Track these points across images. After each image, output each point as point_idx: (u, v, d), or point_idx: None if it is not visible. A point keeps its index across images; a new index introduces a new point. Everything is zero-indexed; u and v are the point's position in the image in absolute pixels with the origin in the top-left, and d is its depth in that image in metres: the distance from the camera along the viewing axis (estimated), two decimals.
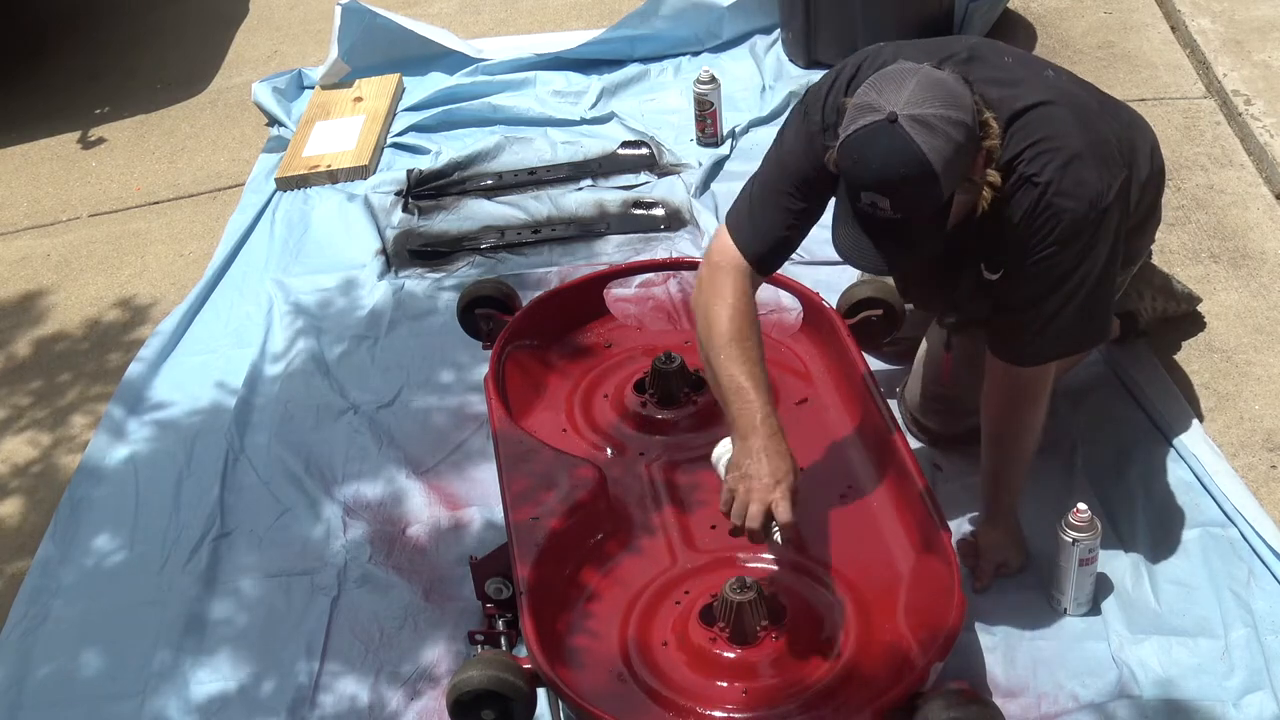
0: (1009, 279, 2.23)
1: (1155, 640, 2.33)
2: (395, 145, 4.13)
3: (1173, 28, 4.18)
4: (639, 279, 3.25)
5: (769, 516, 2.15)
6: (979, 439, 2.49)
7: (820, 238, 3.41)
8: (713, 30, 4.33)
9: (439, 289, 3.44)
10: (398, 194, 3.86)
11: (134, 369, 3.30)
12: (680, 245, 3.47)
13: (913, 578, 2.32)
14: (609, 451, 2.68)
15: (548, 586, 2.31)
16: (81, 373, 3.44)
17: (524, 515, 2.39)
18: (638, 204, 3.70)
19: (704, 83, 3.80)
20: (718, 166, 3.78)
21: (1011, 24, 4.23)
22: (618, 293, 3.16)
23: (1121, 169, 2.20)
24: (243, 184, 4.08)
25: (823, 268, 3.29)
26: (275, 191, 3.95)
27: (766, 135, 3.88)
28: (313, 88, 4.48)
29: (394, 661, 2.49)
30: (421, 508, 2.81)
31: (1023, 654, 2.34)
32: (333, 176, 3.96)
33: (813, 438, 2.65)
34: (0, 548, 2.93)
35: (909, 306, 2.84)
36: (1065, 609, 2.39)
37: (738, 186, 3.58)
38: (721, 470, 2.28)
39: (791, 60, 4.19)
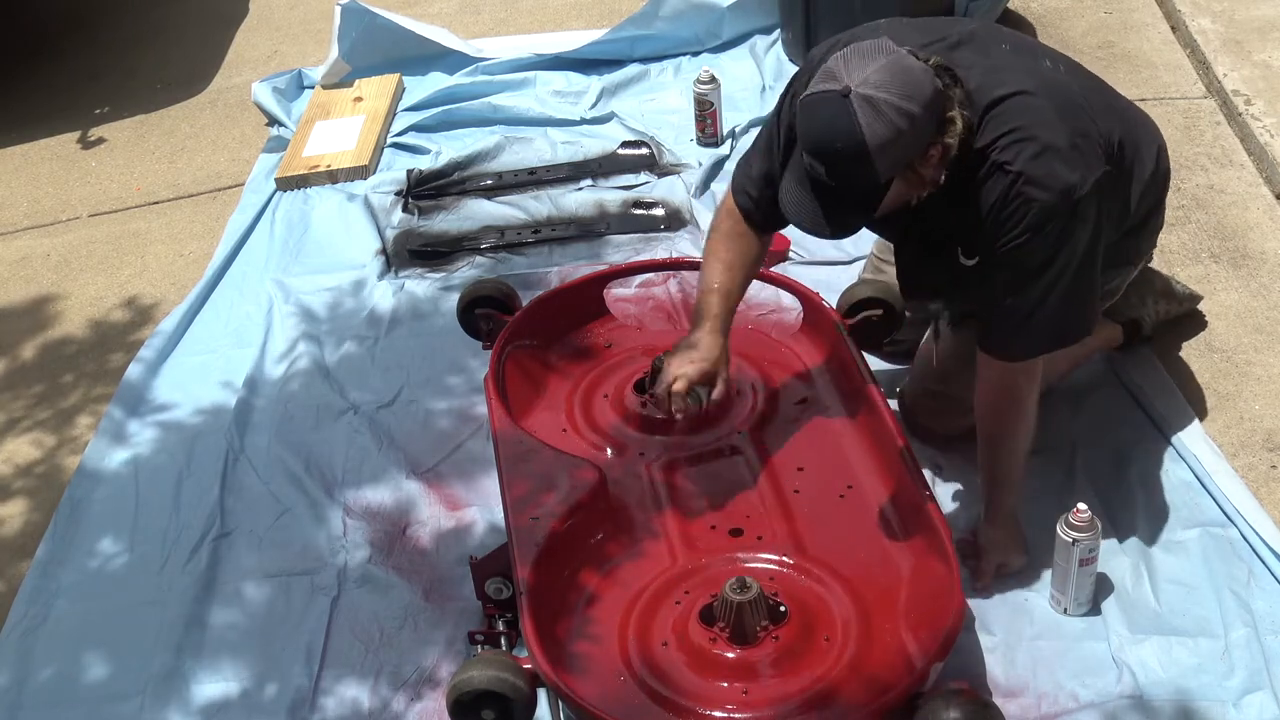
0: (984, 266, 2.26)
1: (1155, 640, 2.33)
2: (395, 145, 4.13)
3: (1173, 28, 4.18)
4: (639, 279, 3.25)
5: (687, 385, 2.42)
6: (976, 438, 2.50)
7: (821, 238, 3.43)
8: (713, 31, 4.33)
9: (439, 289, 3.44)
10: (398, 194, 3.86)
11: (134, 369, 3.30)
12: (680, 245, 3.47)
13: (913, 578, 2.32)
14: (609, 451, 2.68)
15: (548, 587, 2.31)
16: (81, 373, 3.44)
17: (524, 515, 2.39)
18: (638, 204, 3.70)
19: (704, 83, 3.79)
20: (718, 166, 3.77)
21: (1012, 24, 4.23)
22: (618, 293, 3.16)
23: (1101, 164, 2.21)
24: (243, 184, 4.08)
25: (823, 268, 3.29)
26: (275, 191, 3.95)
27: None
28: (313, 88, 4.48)
29: (394, 662, 2.49)
30: (421, 508, 2.81)
31: (1023, 654, 2.35)
32: (333, 176, 3.96)
33: (813, 438, 2.66)
34: (1, 548, 2.93)
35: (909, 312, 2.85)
36: (1065, 609, 2.39)
37: None
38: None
39: (791, 60, 4.19)
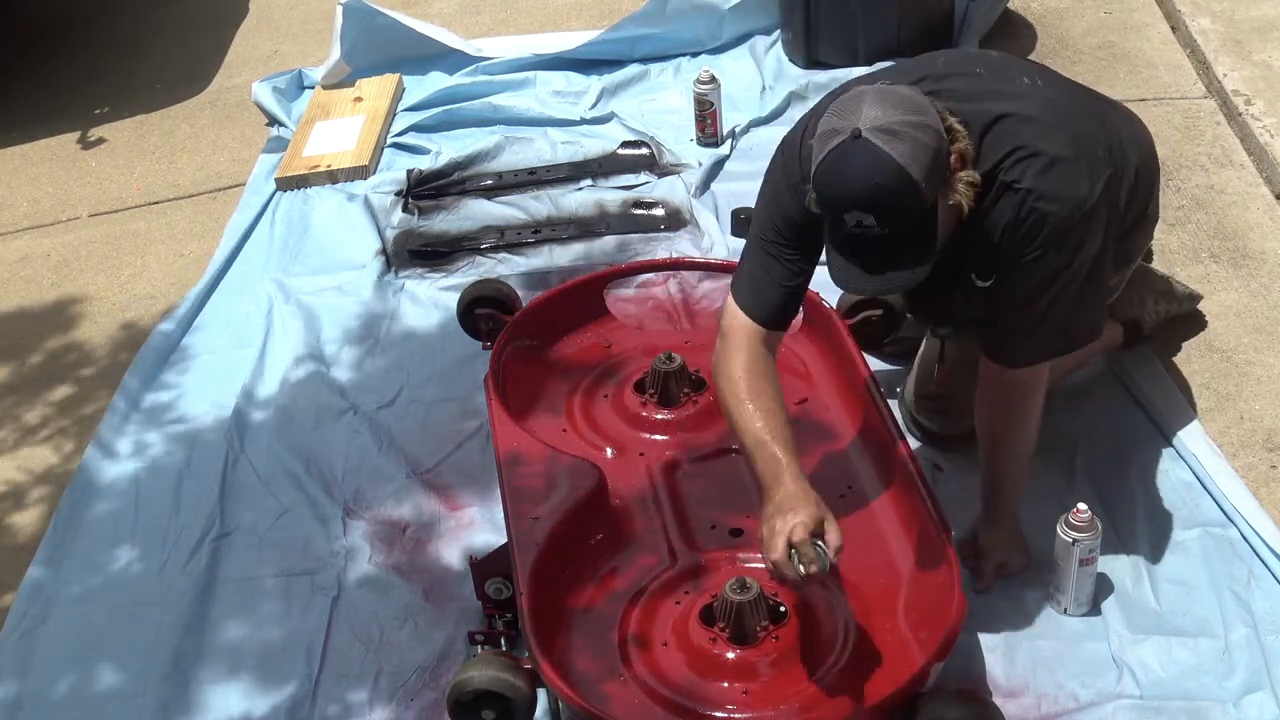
0: (1000, 286, 2.24)
1: (1155, 640, 2.33)
2: (395, 145, 4.13)
3: (1173, 28, 4.18)
4: (639, 279, 3.25)
5: (789, 545, 2.08)
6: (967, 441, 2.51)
7: None
8: (713, 32, 4.33)
9: (439, 289, 3.44)
10: (398, 194, 3.86)
11: (134, 370, 3.30)
12: (680, 245, 3.47)
13: (913, 578, 2.32)
14: (609, 451, 2.68)
15: (548, 587, 2.31)
16: (81, 373, 3.44)
17: (524, 516, 2.39)
18: (638, 204, 3.70)
19: (704, 83, 3.79)
20: (718, 166, 3.77)
21: (1012, 24, 4.23)
22: (618, 293, 3.17)
23: (1106, 166, 2.21)
24: (243, 184, 4.07)
25: (822, 268, 3.29)
26: (275, 191, 3.95)
27: (766, 135, 3.90)
28: (313, 88, 4.47)
29: (394, 662, 2.49)
30: (421, 508, 2.81)
31: (1023, 654, 2.35)
32: (333, 176, 3.96)
33: (813, 438, 2.66)
34: (0, 549, 2.92)
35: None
36: (1065, 609, 2.39)
37: (738, 186, 3.66)
38: None
39: (791, 60, 4.19)
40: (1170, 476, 2.64)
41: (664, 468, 2.63)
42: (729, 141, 3.86)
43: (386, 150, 4.11)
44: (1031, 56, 4.03)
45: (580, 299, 3.02)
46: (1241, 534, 2.49)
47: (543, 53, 4.38)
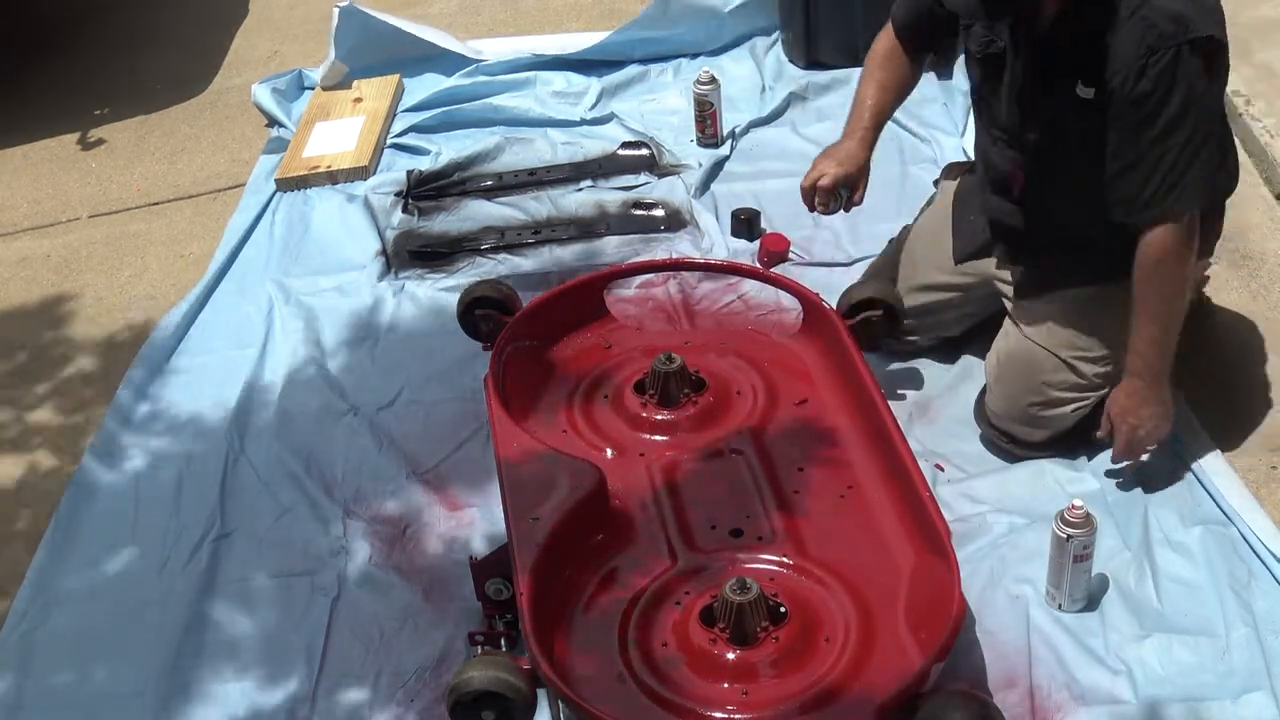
0: (1103, 99, 2.32)
1: (1155, 639, 2.32)
2: (395, 146, 4.13)
3: None
4: (639, 279, 3.25)
5: (832, 182, 2.68)
6: (1058, 445, 2.64)
7: (820, 238, 3.44)
8: (714, 34, 4.33)
9: (439, 290, 3.44)
10: (398, 195, 3.86)
11: (134, 370, 3.30)
12: (680, 246, 3.47)
13: (913, 578, 2.32)
14: (609, 452, 2.68)
15: (548, 587, 2.31)
16: (81, 374, 3.44)
17: (524, 516, 2.39)
18: (638, 205, 3.70)
19: (704, 83, 3.80)
20: (718, 167, 3.78)
21: None
22: (618, 293, 3.17)
23: (1218, 29, 2.29)
24: (243, 185, 4.08)
25: (823, 268, 3.29)
26: (275, 192, 3.95)
27: (766, 135, 3.91)
28: (313, 88, 4.48)
29: (394, 662, 2.49)
30: (421, 508, 2.81)
31: (1021, 652, 2.34)
32: (333, 177, 3.96)
33: (813, 438, 2.66)
34: (0, 549, 2.92)
35: (912, 309, 2.86)
36: (1060, 605, 2.40)
37: (738, 187, 3.67)
38: None
39: (791, 61, 4.19)
40: (1170, 476, 2.64)
41: (664, 468, 2.63)
42: (729, 142, 3.86)
43: (386, 151, 4.11)
44: None
45: (580, 299, 3.02)
46: (1241, 534, 2.49)
47: (542, 54, 4.38)
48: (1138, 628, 2.35)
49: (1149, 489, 2.61)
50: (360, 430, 3.03)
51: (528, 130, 4.09)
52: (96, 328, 3.60)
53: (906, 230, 3.03)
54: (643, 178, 3.80)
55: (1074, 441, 2.67)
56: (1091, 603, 2.40)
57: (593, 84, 4.22)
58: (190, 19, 5.27)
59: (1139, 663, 2.29)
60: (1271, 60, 3.87)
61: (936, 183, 3.11)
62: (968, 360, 2.95)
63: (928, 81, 3.78)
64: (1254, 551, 2.45)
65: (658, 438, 2.70)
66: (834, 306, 2.84)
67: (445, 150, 4.01)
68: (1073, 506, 2.32)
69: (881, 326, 2.85)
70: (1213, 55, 2.30)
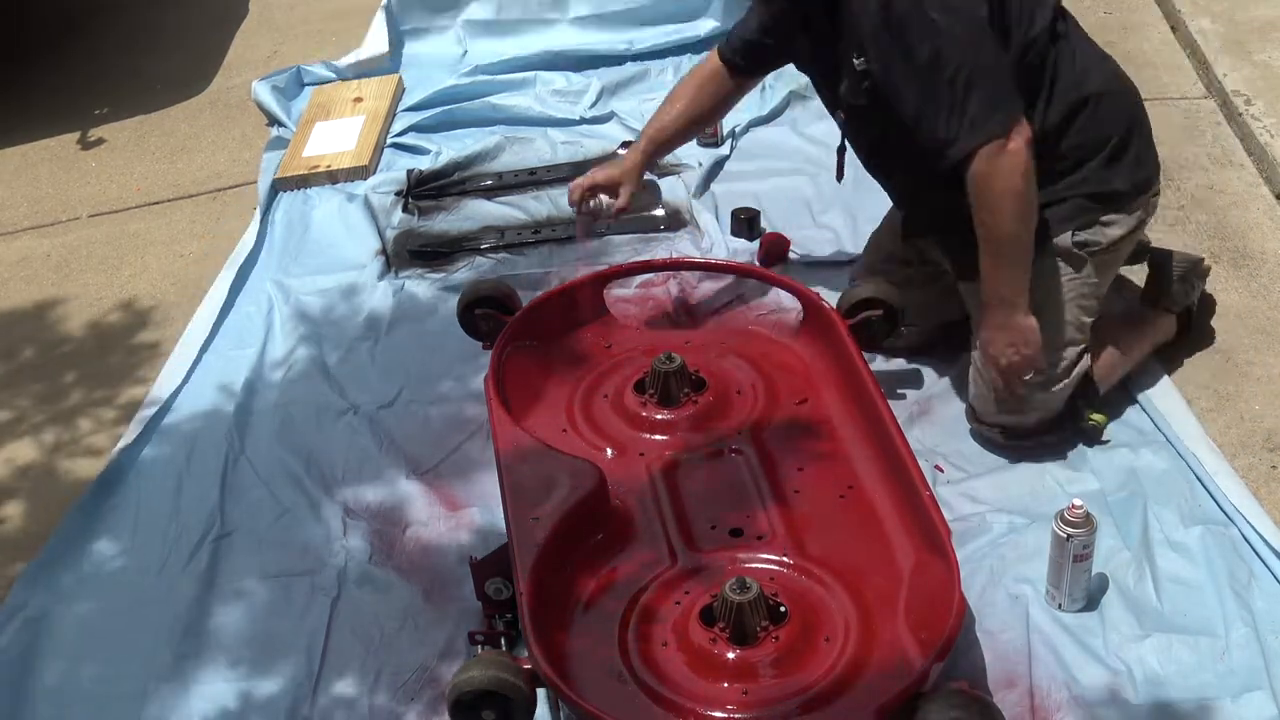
0: (872, 65, 2.43)
1: (1155, 639, 2.32)
2: (395, 145, 4.13)
3: (1173, 28, 4.18)
4: (639, 279, 3.25)
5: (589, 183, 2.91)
6: (1054, 430, 2.66)
7: (820, 238, 3.44)
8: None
9: (439, 289, 3.44)
10: (398, 194, 3.86)
11: (134, 370, 3.30)
12: (680, 245, 3.47)
13: (913, 578, 2.32)
14: (609, 451, 2.68)
15: (547, 587, 2.31)
16: (81, 373, 3.44)
17: (524, 515, 2.39)
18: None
19: None
20: (718, 166, 3.78)
21: None
22: (618, 293, 3.17)
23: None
24: (243, 184, 4.08)
25: (823, 268, 3.29)
26: (275, 192, 3.95)
27: (766, 135, 3.90)
28: (313, 85, 4.49)
29: (394, 662, 2.48)
30: (422, 508, 2.81)
31: (1021, 652, 2.34)
32: (333, 177, 3.96)
33: (813, 438, 2.66)
34: (0, 549, 2.93)
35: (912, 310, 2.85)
36: (1060, 604, 2.40)
37: (738, 186, 3.67)
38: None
39: None
40: (1170, 476, 2.64)
41: (664, 468, 2.63)
42: (729, 141, 3.86)
43: (386, 150, 4.12)
44: None
45: (580, 299, 3.02)
46: (1242, 534, 2.49)
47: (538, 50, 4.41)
48: (1138, 627, 2.35)
49: (1149, 489, 2.61)
50: (360, 430, 3.03)
51: (527, 130, 4.09)
52: (96, 327, 3.60)
53: (878, 228, 3.04)
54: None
55: (1070, 429, 2.66)
56: (1091, 602, 2.40)
57: (592, 83, 4.22)
58: (190, 19, 5.27)
59: (1139, 662, 2.29)
60: (1271, 60, 3.87)
61: None
62: (968, 360, 2.94)
63: None
64: (1254, 551, 2.45)
65: (658, 437, 2.70)
66: (834, 306, 2.84)
67: (445, 150, 4.02)
68: (1073, 506, 2.32)
69: (881, 326, 2.85)
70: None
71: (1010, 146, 2.37)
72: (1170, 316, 2.87)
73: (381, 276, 3.52)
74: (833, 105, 2.71)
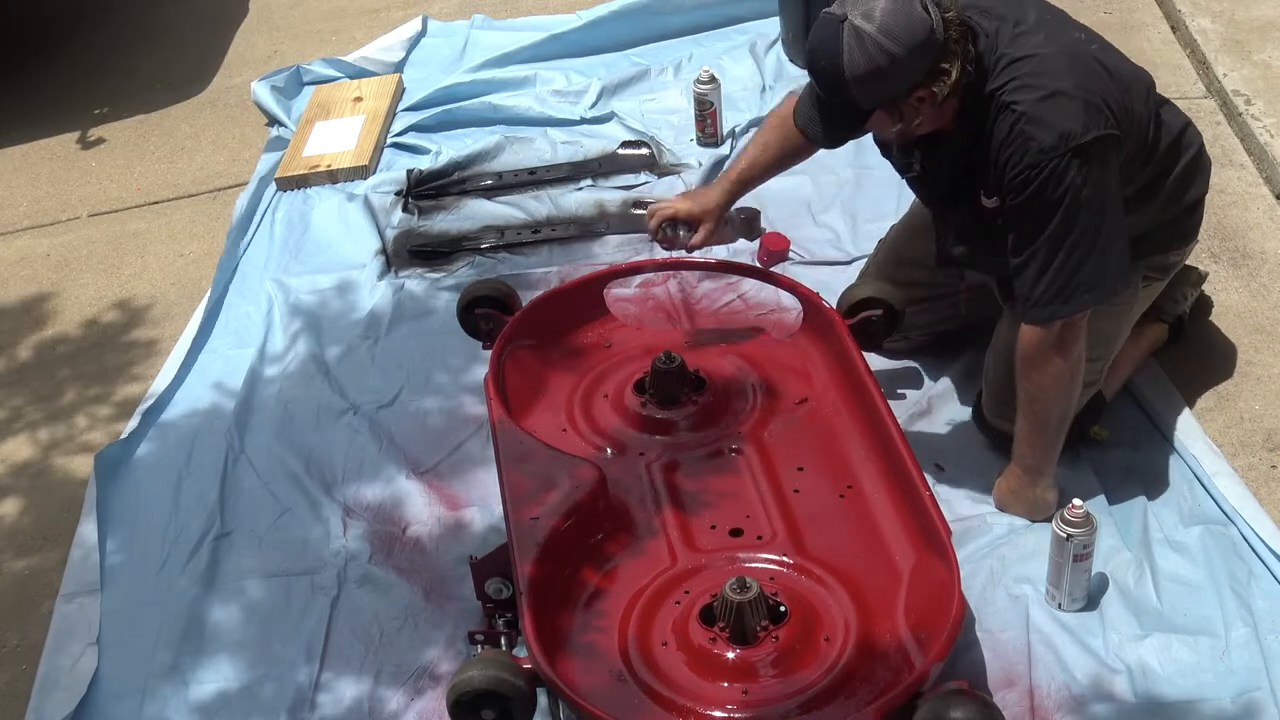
0: (1002, 209, 2.38)
1: (1155, 638, 2.33)
2: (395, 145, 4.13)
3: (1173, 28, 4.18)
4: (639, 279, 3.25)
5: (671, 213, 2.80)
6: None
7: (820, 238, 3.43)
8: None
9: (439, 289, 3.44)
10: (398, 194, 3.86)
11: (133, 369, 3.30)
12: None
13: (913, 578, 2.32)
14: (609, 451, 2.68)
15: (548, 586, 2.31)
16: (81, 373, 3.44)
17: (524, 515, 2.39)
18: (638, 204, 3.70)
19: (704, 83, 3.79)
20: (718, 166, 3.77)
21: None
22: (618, 293, 3.16)
23: (1110, 123, 2.30)
24: (243, 184, 4.07)
25: (823, 268, 3.29)
26: (275, 191, 3.95)
27: None
28: (313, 84, 4.48)
29: (394, 662, 2.48)
30: (421, 508, 2.81)
31: (1021, 651, 2.34)
32: (333, 176, 3.96)
33: (813, 438, 2.66)
34: (0, 548, 2.93)
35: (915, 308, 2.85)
36: (1060, 604, 2.40)
37: None
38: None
39: (791, 60, 4.19)
40: (1170, 476, 2.64)
41: (664, 468, 2.63)
42: (729, 141, 3.86)
43: (386, 150, 4.11)
44: None
45: (580, 299, 3.02)
46: (1242, 534, 2.49)
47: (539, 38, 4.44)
48: (1137, 627, 2.35)
49: (1149, 489, 2.61)
50: (360, 430, 3.03)
51: (527, 129, 4.09)
52: (95, 327, 3.60)
53: (893, 229, 3.03)
54: (643, 177, 3.80)
55: (1073, 440, 2.67)
56: (1091, 602, 2.40)
57: (593, 83, 4.22)
58: (190, 19, 5.27)
59: (1139, 662, 2.29)
60: (1271, 60, 3.87)
61: None
62: (968, 360, 2.95)
63: None
64: (1254, 551, 2.45)
65: (657, 437, 2.70)
66: (834, 306, 2.84)
67: (445, 149, 4.01)
68: (1073, 506, 2.32)
69: (881, 326, 2.85)
70: (1104, 150, 2.30)
71: (1064, 334, 2.38)
72: (1162, 325, 2.86)
73: (381, 276, 3.52)
74: (929, 199, 2.66)
